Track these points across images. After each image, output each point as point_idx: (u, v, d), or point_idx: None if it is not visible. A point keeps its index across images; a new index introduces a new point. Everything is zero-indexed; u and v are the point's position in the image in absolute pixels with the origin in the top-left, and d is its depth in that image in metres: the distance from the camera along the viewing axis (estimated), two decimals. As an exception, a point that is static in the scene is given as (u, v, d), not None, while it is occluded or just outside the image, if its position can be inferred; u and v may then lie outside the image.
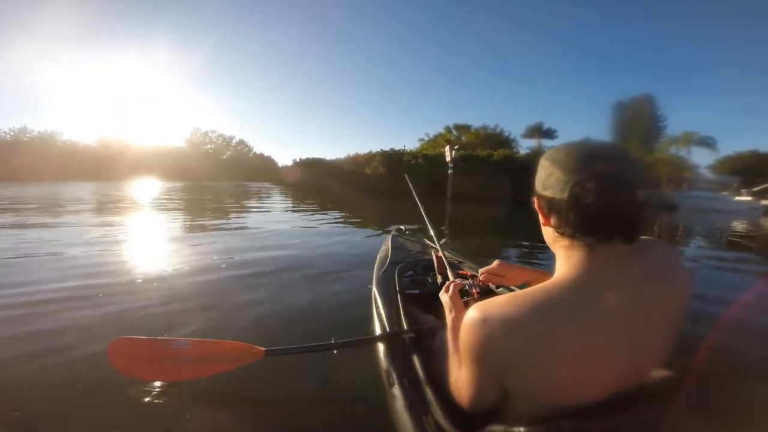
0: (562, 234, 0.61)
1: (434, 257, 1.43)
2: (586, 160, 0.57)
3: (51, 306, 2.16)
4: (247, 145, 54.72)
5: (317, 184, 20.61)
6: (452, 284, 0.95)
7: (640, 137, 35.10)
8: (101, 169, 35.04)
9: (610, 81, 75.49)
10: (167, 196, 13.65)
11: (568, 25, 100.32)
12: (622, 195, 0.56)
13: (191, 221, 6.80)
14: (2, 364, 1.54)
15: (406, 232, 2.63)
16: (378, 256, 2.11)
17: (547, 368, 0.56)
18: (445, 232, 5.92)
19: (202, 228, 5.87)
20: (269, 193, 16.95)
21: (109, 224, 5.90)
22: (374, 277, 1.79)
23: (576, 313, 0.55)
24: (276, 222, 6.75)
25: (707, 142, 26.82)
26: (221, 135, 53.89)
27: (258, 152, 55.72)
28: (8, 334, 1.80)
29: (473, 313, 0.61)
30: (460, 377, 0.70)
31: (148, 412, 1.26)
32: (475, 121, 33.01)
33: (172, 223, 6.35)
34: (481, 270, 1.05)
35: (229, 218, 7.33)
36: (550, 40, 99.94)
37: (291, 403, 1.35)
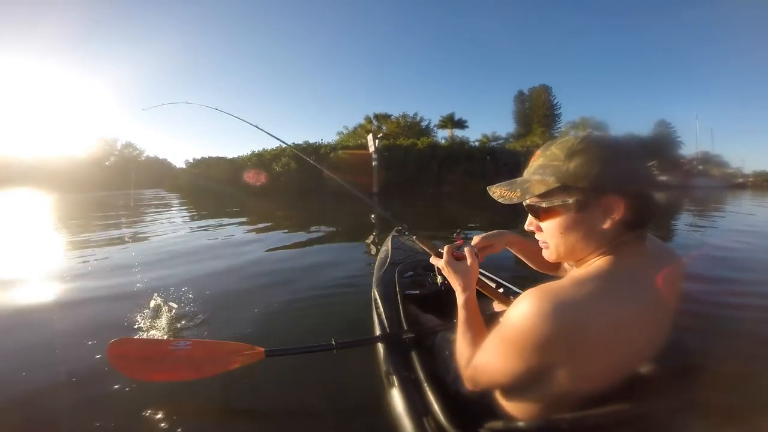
0: (634, 225, 0.61)
1: None
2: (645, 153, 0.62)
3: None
4: (136, 148, 46.10)
5: (217, 189, 17.53)
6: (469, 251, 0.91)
7: (541, 124, 38.79)
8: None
9: (510, 73, 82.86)
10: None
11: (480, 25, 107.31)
12: None
13: None
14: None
15: (406, 233, 2.56)
16: (378, 257, 2.08)
17: (609, 353, 0.57)
18: (375, 241, 4.67)
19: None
20: (166, 205, 13.65)
21: None
22: (374, 278, 1.76)
23: (638, 297, 0.58)
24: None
25: (600, 128, 30.24)
26: (102, 138, 44.46)
27: (152, 155, 47.55)
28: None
29: (536, 303, 0.55)
30: (487, 362, 0.67)
31: (147, 413, 1.24)
32: (394, 110, 32.69)
33: None
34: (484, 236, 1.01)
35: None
36: (463, 42, 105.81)
37: (291, 404, 1.34)
